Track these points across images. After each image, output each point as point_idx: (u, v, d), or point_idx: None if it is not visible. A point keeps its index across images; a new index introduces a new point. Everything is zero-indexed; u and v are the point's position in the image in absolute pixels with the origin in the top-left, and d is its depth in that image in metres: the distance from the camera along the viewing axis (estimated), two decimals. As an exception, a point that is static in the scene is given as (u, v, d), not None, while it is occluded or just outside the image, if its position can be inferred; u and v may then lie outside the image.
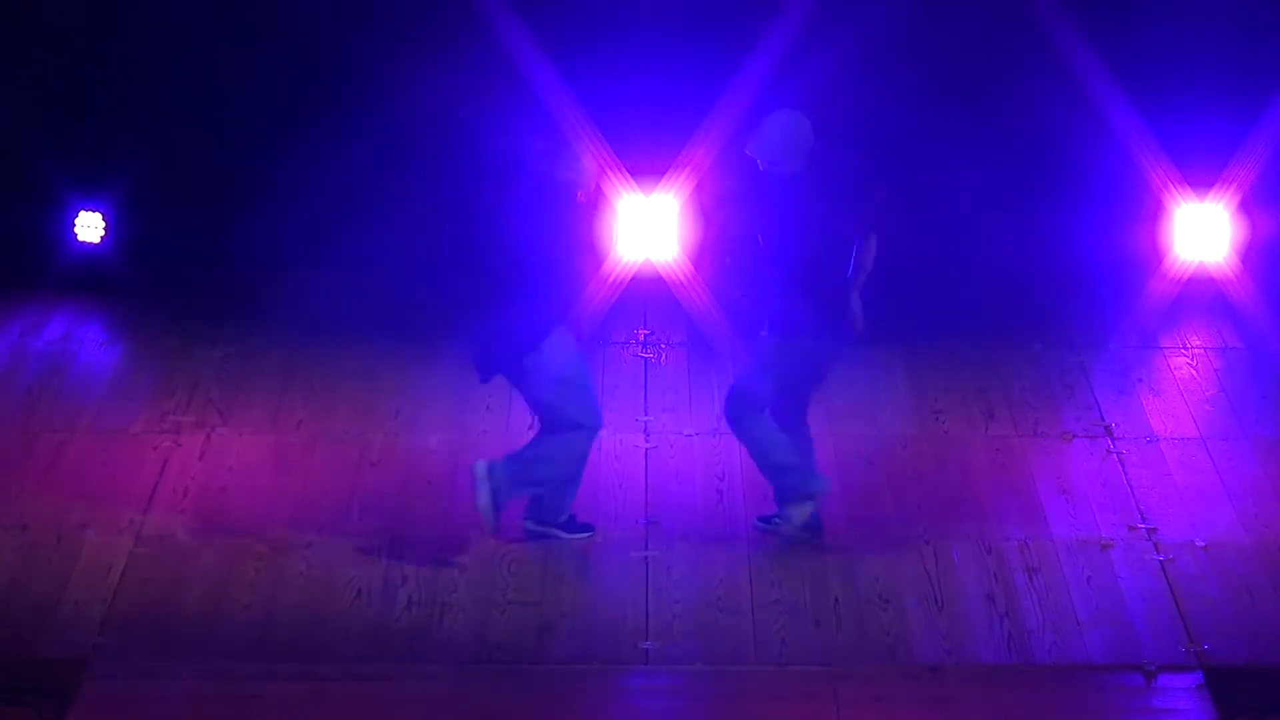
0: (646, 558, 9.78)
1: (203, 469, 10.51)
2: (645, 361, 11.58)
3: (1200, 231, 12.40)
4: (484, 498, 9.66)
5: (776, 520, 9.87)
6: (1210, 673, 8.95)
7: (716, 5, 12.21)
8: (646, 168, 12.09)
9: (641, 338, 11.81)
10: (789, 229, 9.48)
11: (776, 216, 9.50)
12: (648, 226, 12.08)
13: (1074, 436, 10.91)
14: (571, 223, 9.46)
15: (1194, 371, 11.67)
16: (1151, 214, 12.46)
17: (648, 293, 12.12)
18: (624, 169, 11.90)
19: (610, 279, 11.38)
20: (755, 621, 9.31)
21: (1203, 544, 9.90)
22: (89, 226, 12.49)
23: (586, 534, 9.88)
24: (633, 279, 11.96)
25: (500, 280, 9.51)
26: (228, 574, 9.60)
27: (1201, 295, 12.38)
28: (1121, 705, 8.82)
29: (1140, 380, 11.56)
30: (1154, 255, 12.48)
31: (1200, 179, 12.34)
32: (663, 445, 10.80)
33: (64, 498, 10.20)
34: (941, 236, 12.57)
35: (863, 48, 12.18)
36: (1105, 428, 11.00)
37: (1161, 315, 12.21)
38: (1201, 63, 12.19)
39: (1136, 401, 11.30)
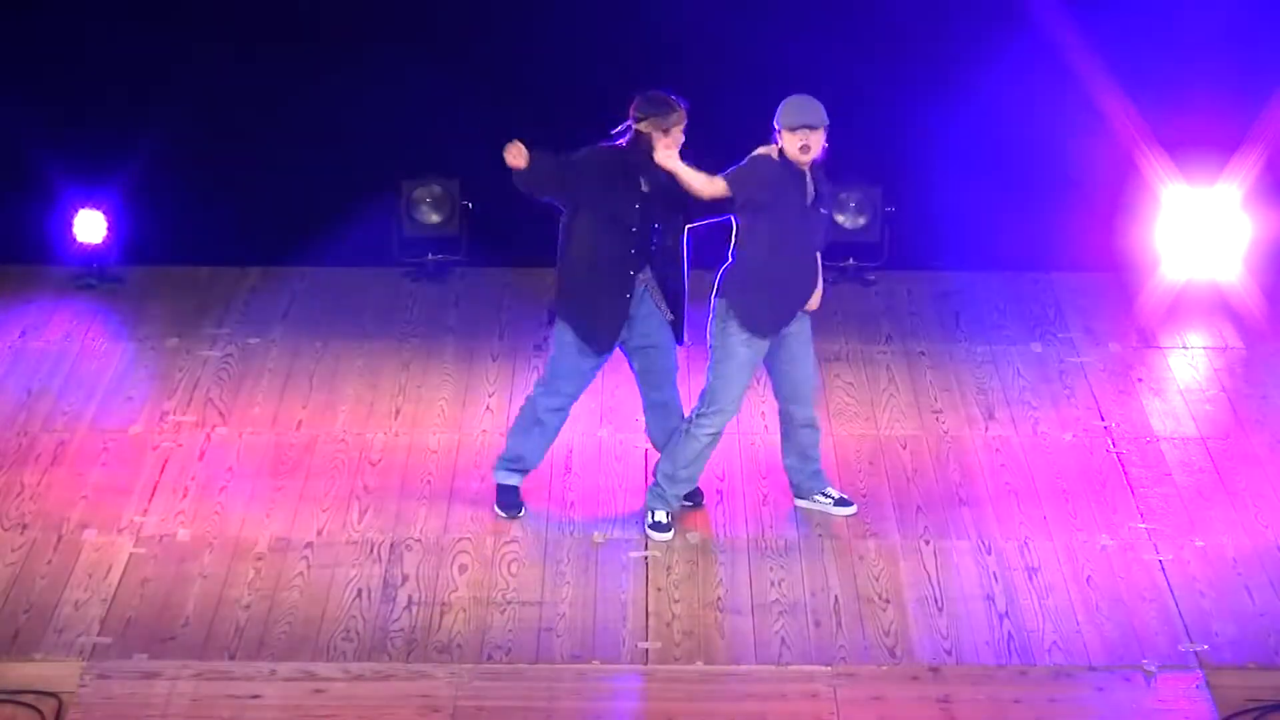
0: (646, 558, 9.78)
1: (203, 469, 10.51)
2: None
3: (1200, 231, 12.40)
4: None
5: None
6: (1210, 673, 8.95)
7: None
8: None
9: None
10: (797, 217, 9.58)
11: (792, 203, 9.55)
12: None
13: (1074, 436, 10.91)
14: None
15: (1194, 371, 11.67)
16: (1151, 213, 12.45)
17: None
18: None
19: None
20: (755, 621, 9.31)
21: (1202, 544, 9.90)
22: (89, 226, 12.48)
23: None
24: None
25: None
26: (227, 574, 9.60)
27: (1201, 295, 12.37)
28: (1121, 705, 8.81)
29: (1140, 380, 11.55)
30: (1154, 255, 12.47)
31: (1201, 178, 12.33)
32: (663, 445, 10.78)
33: (64, 498, 10.20)
34: (941, 236, 12.56)
35: (861, 42, 12.19)
36: (1105, 428, 10.99)
37: (1161, 315, 12.21)
38: (1202, 60, 12.18)
39: (1136, 401, 11.29)
